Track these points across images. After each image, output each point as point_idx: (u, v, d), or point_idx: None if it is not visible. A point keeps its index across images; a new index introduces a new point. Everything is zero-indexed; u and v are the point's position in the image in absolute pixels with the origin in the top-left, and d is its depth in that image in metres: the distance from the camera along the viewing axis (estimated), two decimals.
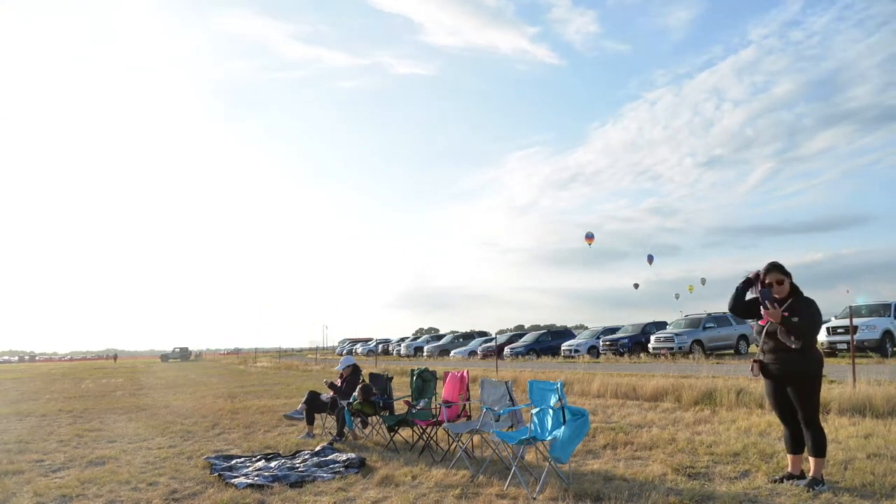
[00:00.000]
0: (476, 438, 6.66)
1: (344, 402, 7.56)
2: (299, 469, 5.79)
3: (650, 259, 50.87)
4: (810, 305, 4.42)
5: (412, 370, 7.69)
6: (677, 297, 65.87)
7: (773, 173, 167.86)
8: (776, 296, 4.42)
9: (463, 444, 5.98)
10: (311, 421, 8.04)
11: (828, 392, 7.97)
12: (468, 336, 39.09)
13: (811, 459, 4.39)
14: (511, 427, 5.84)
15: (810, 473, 4.40)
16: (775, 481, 4.58)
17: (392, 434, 7.01)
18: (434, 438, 6.67)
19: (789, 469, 4.62)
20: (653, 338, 22.30)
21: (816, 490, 4.26)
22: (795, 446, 4.55)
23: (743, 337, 22.48)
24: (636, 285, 67.06)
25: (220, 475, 5.58)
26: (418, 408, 6.91)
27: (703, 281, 68.26)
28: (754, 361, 4.59)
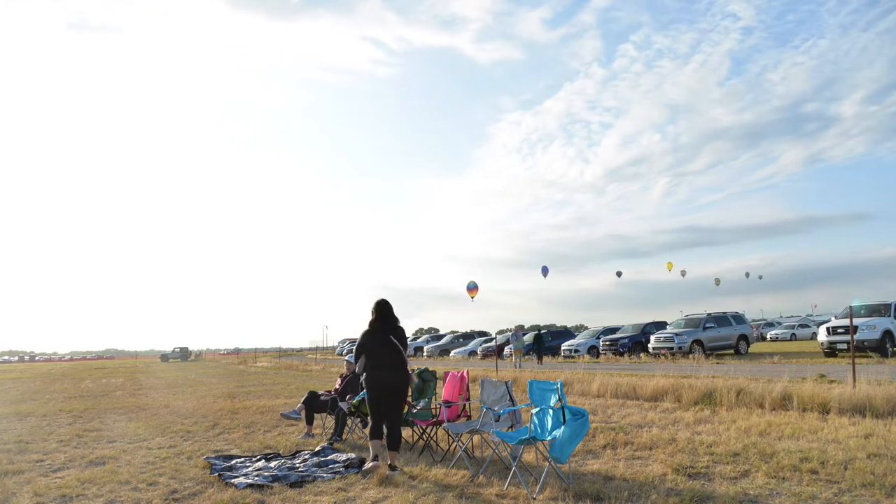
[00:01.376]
0: (476, 438, 6.66)
1: (344, 406, 7.56)
2: (299, 469, 5.79)
3: (544, 271, 49.33)
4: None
5: (412, 370, 7.69)
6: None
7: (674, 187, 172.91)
8: None
9: (463, 444, 5.98)
10: (310, 421, 8.04)
11: (828, 392, 7.97)
12: (468, 336, 39.10)
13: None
14: (511, 427, 5.84)
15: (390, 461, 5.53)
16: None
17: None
18: (434, 438, 6.67)
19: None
20: (653, 338, 22.30)
21: (392, 474, 5.33)
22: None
23: (743, 337, 22.49)
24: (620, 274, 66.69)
25: (220, 475, 5.58)
26: (418, 408, 6.91)
27: (717, 281, 68.75)
28: None
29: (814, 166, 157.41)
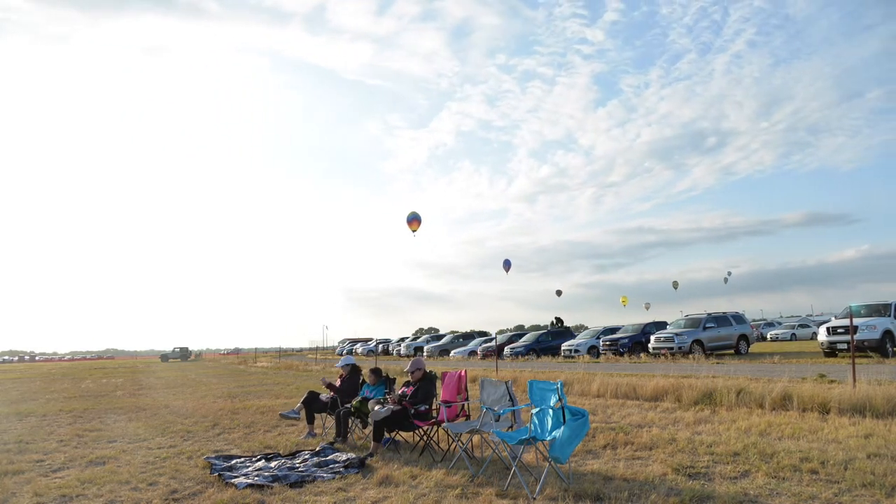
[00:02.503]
0: (476, 438, 6.66)
1: (345, 406, 7.55)
2: (299, 469, 5.79)
3: (506, 265, 48.46)
4: None
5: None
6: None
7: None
8: None
9: (463, 444, 5.97)
10: (311, 420, 8.04)
11: (828, 392, 7.97)
12: (468, 336, 39.11)
13: None
14: (511, 427, 5.84)
15: None
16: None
17: (392, 434, 7.01)
18: (434, 438, 6.67)
19: None
20: (653, 338, 22.29)
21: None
22: None
23: (743, 337, 22.49)
24: (559, 292, 67.10)
25: (220, 475, 5.58)
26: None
27: (728, 277, 68.84)
28: None
29: (726, 179, 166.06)
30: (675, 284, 67.28)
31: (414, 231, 33.62)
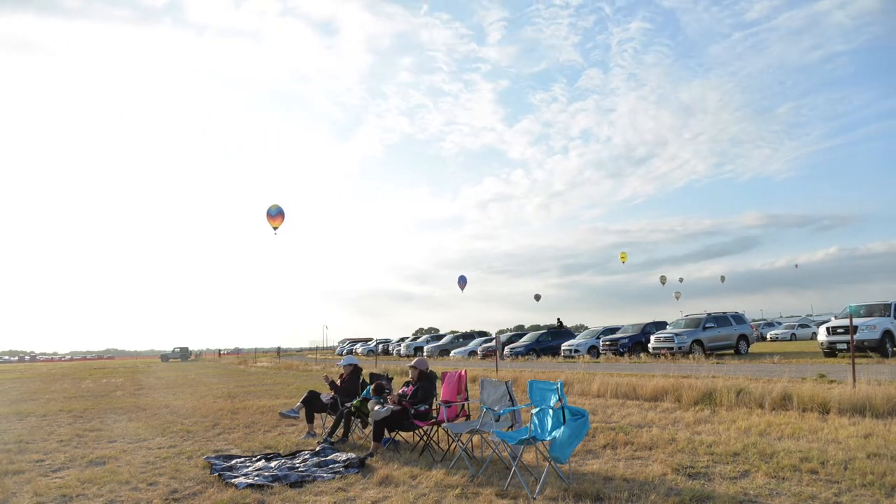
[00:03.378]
0: (476, 438, 6.66)
1: (346, 406, 7.55)
2: (299, 469, 5.79)
3: (462, 282, 48.13)
4: None
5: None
6: None
7: None
8: None
9: (463, 444, 5.98)
10: (310, 420, 8.04)
11: (828, 392, 7.97)
12: (468, 336, 39.12)
13: None
14: (511, 427, 5.84)
15: None
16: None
17: (393, 434, 7.01)
18: (434, 438, 6.67)
19: None
20: (653, 338, 22.29)
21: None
22: None
23: (743, 337, 22.49)
24: (537, 297, 66.62)
25: (220, 475, 5.58)
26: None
27: (723, 278, 68.71)
28: None
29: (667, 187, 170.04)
30: (663, 279, 66.66)
31: (275, 228, 30.22)
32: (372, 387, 7.56)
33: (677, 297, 63.72)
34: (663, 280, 66.07)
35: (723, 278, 68.29)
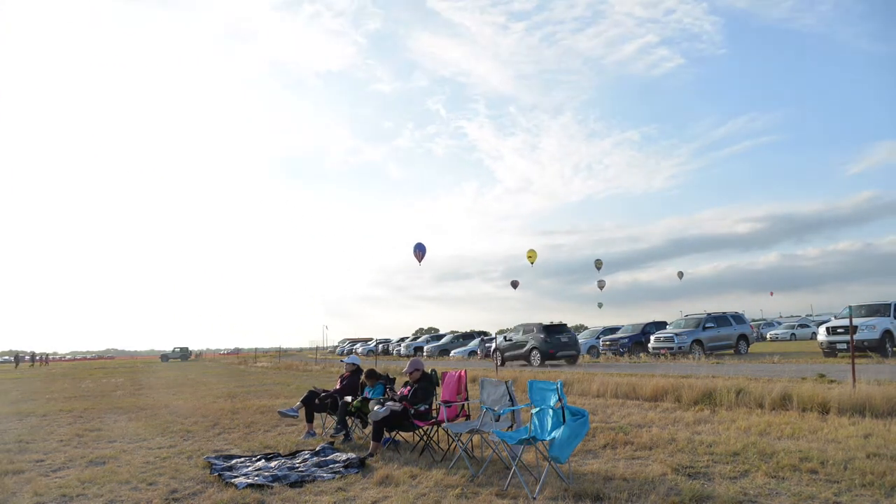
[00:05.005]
0: (476, 438, 6.66)
1: (347, 399, 7.56)
2: (299, 469, 5.80)
3: (418, 250, 45.55)
4: None
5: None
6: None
7: None
8: None
9: (463, 444, 5.98)
10: (310, 420, 8.04)
11: (828, 392, 7.98)
12: (468, 336, 39.10)
13: None
14: (511, 427, 5.85)
15: None
16: None
17: (393, 434, 7.02)
18: (434, 438, 6.67)
19: None
20: (652, 338, 22.30)
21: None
22: None
23: (743, 337, 22.50)
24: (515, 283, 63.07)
25: (220, 475, 5.58)
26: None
27: (681, 274, 65.99)
28: None
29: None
30: (598, 263, 62.33)
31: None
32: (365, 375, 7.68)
33: (601, 287, 59.40)
34: (598, 265, 61.53)
35: (680, 274, 65.07)
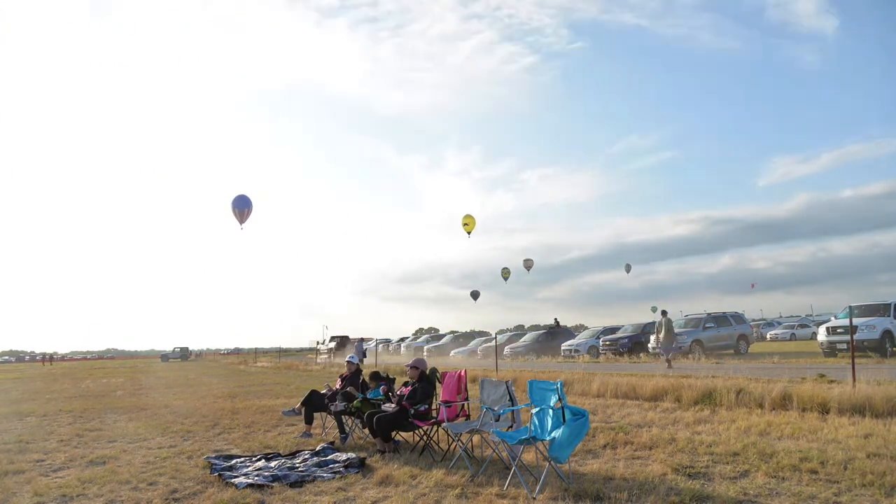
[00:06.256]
0: (476, 438, 6.67)
1: (341, 405, 7.56)
2: (299, 469, 5.80)
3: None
4: None
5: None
6: None
7: None
8: None
9: (463, 444, 5.98)
10: (309, 420, 8.04)
11: (828, 392, 7.98)
12: (468, 336, 39.13)
13: None
14: (511, 427, 5.85)
15: None
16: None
17: (393, 434, 7.01)
18: (434, 438, 6.68)
19: None
20: (653, 338, 22.29)
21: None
22: None
23: (743, 337, 22.50)
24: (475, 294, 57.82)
25: (220, 475, 5.59)
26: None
27: (628, 267, 63.41)
28: None
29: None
30: (629, 267, 60.89)
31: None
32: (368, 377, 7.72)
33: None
34: (628, 268, 60.21)
35: (628, 267, 62.29)
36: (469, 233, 36.66)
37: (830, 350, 17.66)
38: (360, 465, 5.84)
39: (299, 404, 8.11)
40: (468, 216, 36.53)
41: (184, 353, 71.14)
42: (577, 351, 25.87)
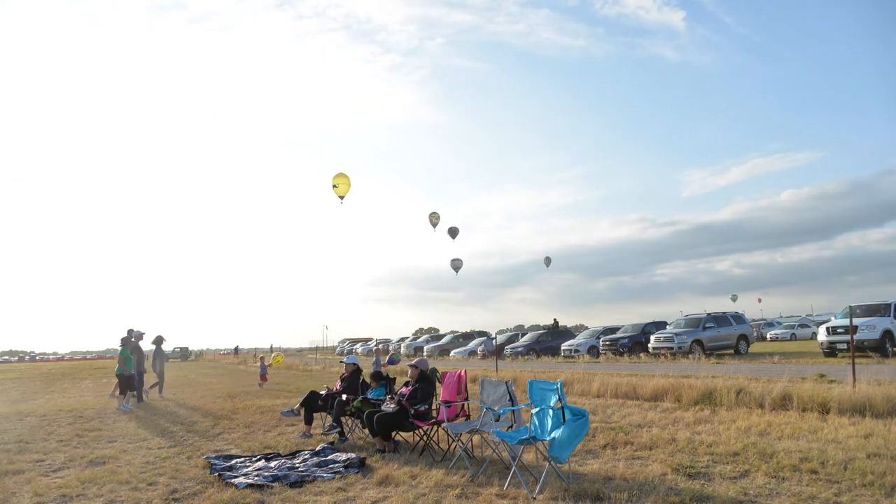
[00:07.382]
0: (476, 438, 6.66)
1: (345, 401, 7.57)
2: (299, 469, 5.79)
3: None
4: None
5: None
6: None
7: None
8: None
9: (463, 444, 5.98)
10: (309, 421, 8.04)
11: (828, 392, 7.98)
12: (468, 336, 39.12)
13: None
14: (511, 427, 5.84)
15: None
16: None
17: (393, 434, 7.01)
18: (434, 438, 6.67)
19: None
20: (653, 338, 22.28)
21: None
22: None
23: (743, 337, 22.49)
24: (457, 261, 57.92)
25: (220, 475, 5.58)
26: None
27: (548, 260, 61.37)
28: None
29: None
30: (549, 260, 59.16)
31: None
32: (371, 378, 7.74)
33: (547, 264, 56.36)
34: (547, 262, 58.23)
35: (547, 260, 59.90)
36: (341, 197, 26.60)
37: (830, 350, 17.66)
38: (360, 466, 5.84)
39: (298, 405, 8.11)
40: (340, 175, 26.22)
41: (184, 353, 71.07)
42: (577, 351, 25.86)
